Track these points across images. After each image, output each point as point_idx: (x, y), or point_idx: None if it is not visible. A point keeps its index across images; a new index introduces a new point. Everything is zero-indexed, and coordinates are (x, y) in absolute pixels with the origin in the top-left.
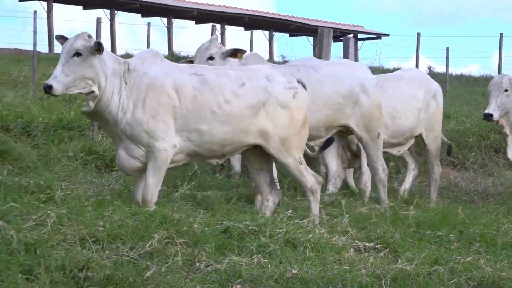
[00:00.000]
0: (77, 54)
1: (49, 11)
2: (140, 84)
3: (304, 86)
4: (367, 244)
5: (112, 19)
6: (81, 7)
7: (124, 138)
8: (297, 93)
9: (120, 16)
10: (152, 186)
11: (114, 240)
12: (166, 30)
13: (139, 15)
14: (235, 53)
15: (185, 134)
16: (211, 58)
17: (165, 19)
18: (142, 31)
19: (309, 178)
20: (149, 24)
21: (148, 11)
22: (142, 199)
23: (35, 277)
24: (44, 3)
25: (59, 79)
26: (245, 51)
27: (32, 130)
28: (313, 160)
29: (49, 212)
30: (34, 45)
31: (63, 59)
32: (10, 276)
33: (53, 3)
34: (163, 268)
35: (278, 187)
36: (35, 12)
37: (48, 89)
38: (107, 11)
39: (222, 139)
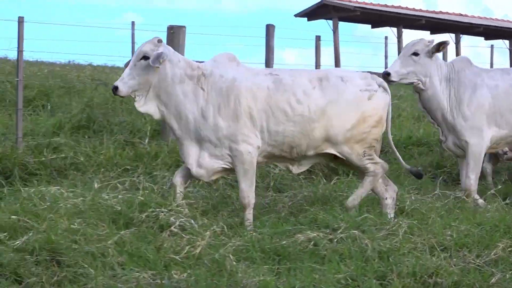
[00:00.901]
0: (145, 57)
1: (399, 36)
2: (218, 88)
3: (386, 90)
4: None
5: (457, 42)
6: (428, 32)
7: (207, 143)
8: (373, 95)
9: (465, 39)
10: (245, 189)
11: (461, 248)
12: (507, 52)
13: (483, 38)
14: (438, 47)
15: (261, 136)
16: (415, 54)
17: (507, 42)
18: (485, 53)
19: (373, 165)
20: (492, 46)
21: (491, 34)
22: (240, 203)
23: (388, 282)
24: (395, 29)
25: (125, 81)
26: (448, 43)
27: (385, 147)
28: None
29: (400, 222)
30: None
31: (132, 62)
32: (365, 281)
33: (403, 29)
34: (507, 275)
35: (392, 184)
36: (386, 37)
37: (115, 90)
38: (453, 35)
39: (291, 140)
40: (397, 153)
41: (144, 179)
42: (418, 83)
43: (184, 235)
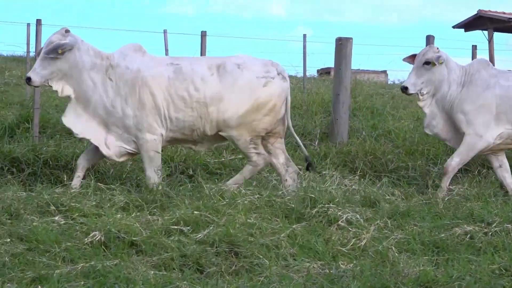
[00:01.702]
0: None
1: None
2: (125, 79)
3: (284, 78)
4: None
5: None
6: None
7: (115, 127)
8: (269, 82)
9: None
10: (151, 176)
11: None
12: None
13: None
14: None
15: (165, 123)
16: (427, 63)
17: None
18: None
19: (256, 156)
20: None
21: None
22: (147, 185)
23: None
24: None
25: (37, 71)
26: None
27: None
28: None
29: None
30: None
31: (42, 53)
32: None
33: None
34: None
35: (293, 165)
36: None
37: (28, 80)
38: None
39: (192, 124)
40: (298, 140)
41: (313, 177)
42: (423, 95)
43: (350, 229)
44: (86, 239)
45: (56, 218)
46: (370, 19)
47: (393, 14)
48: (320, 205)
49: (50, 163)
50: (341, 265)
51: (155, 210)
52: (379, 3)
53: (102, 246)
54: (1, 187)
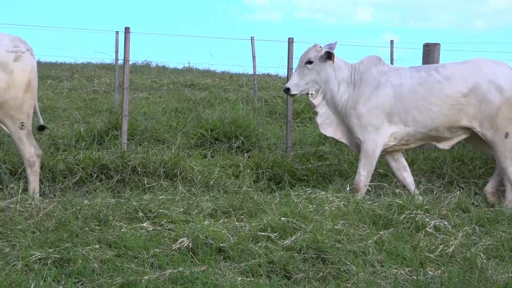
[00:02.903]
0: None
1: None
2: None
3: (32, 55)
4: None
5: None
6: None
7: None
8: (20, 57)
9: None
10: None
11: None
12: None
13: None
14: (330, 56)
15: None
16: (309, 62)
17: None
18: None
19: (29, 148)
20: None
21: None
22: None
23: None
24: None
25: None
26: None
27: None
28: None
29: None
30: None
31: None
32: None
33: None
34: None
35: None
36: None
37: None
38: None
39: None
40: (39, 113)
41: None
42: (312, 94)
43: (438, 235)
44: (174, 245)
45: (145, 224)
46: (457, 24)
47: (481, 19)
48: (407, 212)
49: (138, 170)
50: (429, 272)
51: (242, 216)
52: (466, 8)
53: (190, 252)
54: (90, 193)
